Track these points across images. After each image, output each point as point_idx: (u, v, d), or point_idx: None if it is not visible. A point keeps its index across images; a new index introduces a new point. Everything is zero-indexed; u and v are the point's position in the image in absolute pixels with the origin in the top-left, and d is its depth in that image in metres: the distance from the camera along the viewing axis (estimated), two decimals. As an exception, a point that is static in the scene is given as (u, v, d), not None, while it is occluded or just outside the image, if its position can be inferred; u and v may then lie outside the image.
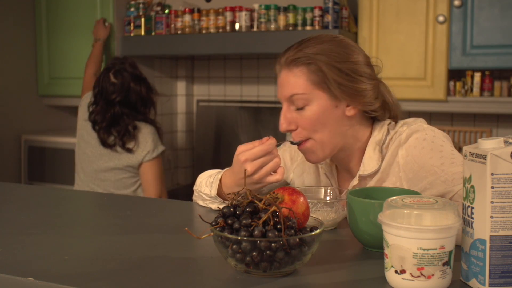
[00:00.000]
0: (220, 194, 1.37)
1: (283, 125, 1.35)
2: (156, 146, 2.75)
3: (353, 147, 1.40)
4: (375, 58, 1.46)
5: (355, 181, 1.39)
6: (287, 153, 1.55)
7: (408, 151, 1.33)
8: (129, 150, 2.68)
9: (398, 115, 1.44)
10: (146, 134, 2.71)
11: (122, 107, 2.69)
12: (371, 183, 1.37)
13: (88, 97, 2.86)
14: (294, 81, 1.33)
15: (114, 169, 2.71)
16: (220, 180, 1.36)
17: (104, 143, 2.69)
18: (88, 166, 2.76)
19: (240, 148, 1.27)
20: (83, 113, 2.84)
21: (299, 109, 1.33)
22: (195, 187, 1.49)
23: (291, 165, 1.54)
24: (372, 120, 1.41)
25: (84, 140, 2.79)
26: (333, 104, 1.33)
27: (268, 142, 1.25)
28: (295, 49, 1.34)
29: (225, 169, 1.39)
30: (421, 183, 1.30)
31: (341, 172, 1.48)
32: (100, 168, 2.73)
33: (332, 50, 1.33)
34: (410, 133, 1.34)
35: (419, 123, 1.37)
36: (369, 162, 1.37)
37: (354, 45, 1.39)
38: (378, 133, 1.39)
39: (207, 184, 1.39)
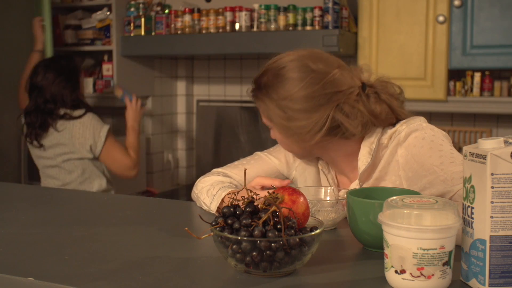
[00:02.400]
0: (219, 210, 1.39)
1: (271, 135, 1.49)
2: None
3: (337, 156, 1.42)
4: (365, 64, 1.44)
5: (355, 185, 1.40)
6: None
7: (407, 150, 1.33)
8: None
9: (400, 118, 1.41)
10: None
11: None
12: (370, 182, 1.37)
13: None
14: (259, 108, 1.43)
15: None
16: (223, 199, 1.37)
17: None
18: None
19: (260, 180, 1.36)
20: None
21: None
22: (195, 190, 1.49)
23: (293, 163, 1.55)
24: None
25: None
26: (285, 135, 1.40)
27: (285, 182, 1.34)
28: (253, 80, 1.42)
29: (229, 189, 1.40)
30: (420, 182, 1.30)
31: (339, 170, 1.49)
32: None
33: (273, 84, 1.35)
34: (409, 132, 1.34)
35: (419, 122, 1.36)
36: (362, 159, 1.37)
37: (295, 76, 1.34)
38: (369, 138, 1.38)
39: (208, 195, 1.41)
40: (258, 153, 1.58)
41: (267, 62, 1.41)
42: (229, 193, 1.36)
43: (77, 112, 2.72)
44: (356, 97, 1.34)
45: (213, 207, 1.38)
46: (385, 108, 1.37)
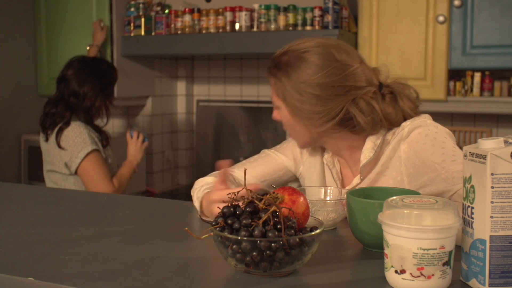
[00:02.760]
0: (202, 214, 1.40)
1: (273, 116, 1.50)
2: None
3: (341, 147, 1.43)
4: (383, 65, 1.44)
5: (356, 180, 1.40)
6: (297, 147, 1.56)
7: (410, 146, 1.33)
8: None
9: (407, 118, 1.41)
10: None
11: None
12: (371, 176, 1.38)
13: None
14: (272, 86, 1.45)
15: None
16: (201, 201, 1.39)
17: None
18: None
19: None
20: None
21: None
22: (192, 189, 1.50)
23: (301, 158, 1.55)
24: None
25: None
26: (295, 117, 1.39)
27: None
28: (273, 58, 1.43)
29: (206, 191, 1.38)
30: (421, 179, 1.31)
31: (343, 163, 1.49)
32: None
33: (293, 65, 1.36)
34: (413, 128, 1.34)
35: (423, 119, 1.37)
36: (365, 153, 1.38)
37: (318, 62, 1.34)
38: (375, 134, 1.39)
39: (197, 198, 1.42)
40: (266, 151, 1.59)
41: (290, 43, 1.41)
42: (229, 194, 1.36)
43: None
44: (372, 94, 1.36)
45: (199, 210, 1.40)
46: (397, 111, 1.38)
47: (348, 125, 1.36)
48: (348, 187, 1.44)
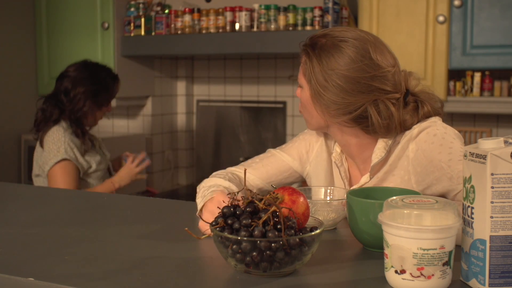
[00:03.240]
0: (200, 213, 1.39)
1: (296, 93, 1.49)
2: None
3: (351, 142, 1.42)
4: (417, 73, 1.44)
5: (365, 178, 1.40)
6: (303, 147, 1.56)
7: (418, 145, 1.34)
8: None
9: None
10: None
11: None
12: (379, 175, 1.38)
13: None
14: (301, 63, 1.43)
15: None
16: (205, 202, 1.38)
17: None
18: None
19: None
20: None
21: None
22: (199, 186, 1.48)
23: (307, 158, 1.55)
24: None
25: None
26: (314, 100, 1.39)
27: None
28: (311, 36, 1.41)
29: (214, 195, 1.37)
30: (428, 178, 1.31)
31: (351, 162, 1.49)
32: None
33: (328, 51, 1.35)
34: (422, 129, 1.35)
35: (433, 119, 1.37)
36: (377, 152, 1.38)
37: (351, 55, 1.33)
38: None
39: (202, 196, 1.41)
40: (271, 150, 1.58)
41: (331, 28, 1.41)
42: (229, 194, 1.36)
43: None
44: (395, 101, 1.35)
45: (199, 209, 1.38)
46: (414, 119, 1.38)
47: (362, 123, 1.36)
48: (356, 186, 1.44)
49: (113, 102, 3.04)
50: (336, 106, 1.35)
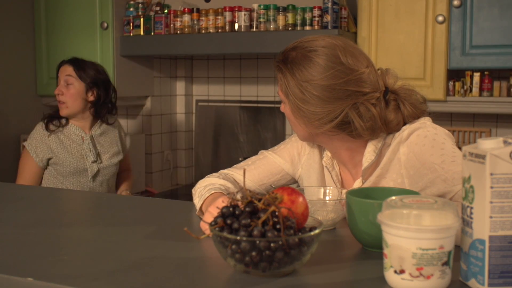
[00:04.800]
0: (200, 213, 1.41)
1: (280, 109, 1.48)
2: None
3: (340, 149, 1.42)
4: (393, 70, 1.43)
5: (357, 183, 1.40)
6: (295, 148, 1.56)
7: (409, 148, 1.33)
8: None
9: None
10: None
11: None
12: (371, 178, 1.38)
13: None
14: (278, 80, 1.42)
15: None
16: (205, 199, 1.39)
17: None
18: None
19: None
20: None
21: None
22: (193, 190, 1.50)
23: (298, 160, 1.55)
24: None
25: None
26: (295, 114, 1.39)
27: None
28: (282, 51, 1.41)
29: (212, 192, 1.39)
30: (422, 181, 1.31)
31: (342, 167, 1.49)
32: None
33: (299, 63, 1.35)
34: (412, 131, 1.34)
35: (422, 121, 1.37)
36: (367, 156, 1.38)
37: (322, 63, 1.33)
38: (376, 138, 1.39)
39: (199, 195, 1.41)
40: (264, 152, 1.59)
41: (300, 38, 1.41)
42: (212, 194, 1.38)
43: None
44: (375, 101, 1.35)
45: (198, 208, 1.40)
46: (399, 117, 1.37)
47: (346, 129, 1.36)
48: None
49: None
50: (317, 116, 1.34)
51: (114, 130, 2.78)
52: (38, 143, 2.59)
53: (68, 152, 2.61)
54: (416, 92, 1.42)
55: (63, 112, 2.61)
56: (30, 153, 2.59)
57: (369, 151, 1.38)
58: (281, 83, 1.39)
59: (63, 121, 2.64)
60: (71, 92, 2.60)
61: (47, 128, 2.60)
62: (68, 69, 2.64)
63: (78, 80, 2.62)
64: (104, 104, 2.69)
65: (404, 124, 1.39)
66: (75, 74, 2.63)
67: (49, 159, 2.61)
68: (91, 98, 2.64)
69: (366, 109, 1.33)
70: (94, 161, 2.64)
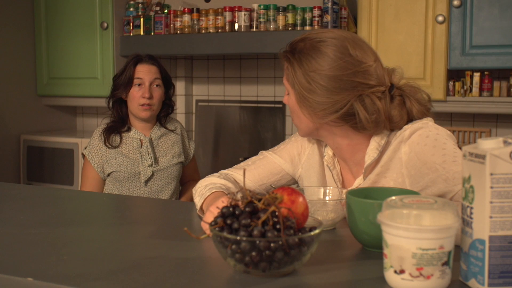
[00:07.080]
0: (200, 212, 1.41)
1: (283, 100, 1.49)
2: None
3: (342, 144, 1.42)
4: (398, 67, 1.43)
5: (359, 181, 1.40)
6: (295, 148, 1.56)
7: (411, 148, 1.33)
8: None
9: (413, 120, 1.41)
10: None
11: None
12: (371, 176, 1.38)
13: None
14: (284, 70, 1.43)
15: None
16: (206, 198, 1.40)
17: None
18: None
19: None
20: None
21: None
22: (193, 190, 1.50)
23: (299, 160, 1.55)
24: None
25: None
26: (300, 104, 1.39)
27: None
28: (290, 42, 1.43)
29: (213, 191, 1.40)
30: (422, 180, 1.31)
31: (343, 165, 1.49)
32: None
33: (307, 54, 1.36)
34: (414, 130, 1.34)
35: (425, 121, 1.37)
36: (370, 153, 1.38)
37: (331, 54, 1.33)
38: (379, 134, 1.39)
39: (200, 194, 1.42)
40: (264, 152, 1.59)
41: (308, 31, 1.42)
42: (213, 193, 1.39)
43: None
44: (380, 94, 1.35)
45: (198, 207, 1.40)
46: (403, 114, 1.38)
47: (350, 121, 1.36)
48: (350, 189, 1.44)
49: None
50: (323, 106, 1.35)
51: (175, 134, 2.60)
52: (97, 158, 2.46)
53: (124, 157, 2.45)
54: (422, 90, 1.44)
55: (147, 114, 2.46)
56: (91, 162, 2.46)
57: (372, 148, 1.38)
58: (288, 72, 1.40)
59: (124, 128, 2.50)
60: (158, 94, 2.48)
61: (105, 143, 2.45)
62: (153, 70, 2.49)
63: (161, 81, 2.50)
64: (164, 104, 2.55)
65: (408, 121, 1.39)
66: (160, 75, 2.51)
67: (109, 173, 2.47)
68: (163, 98, 2.54)
69: (371, 102, 1.34)
70: (150, 165, 2.45)
